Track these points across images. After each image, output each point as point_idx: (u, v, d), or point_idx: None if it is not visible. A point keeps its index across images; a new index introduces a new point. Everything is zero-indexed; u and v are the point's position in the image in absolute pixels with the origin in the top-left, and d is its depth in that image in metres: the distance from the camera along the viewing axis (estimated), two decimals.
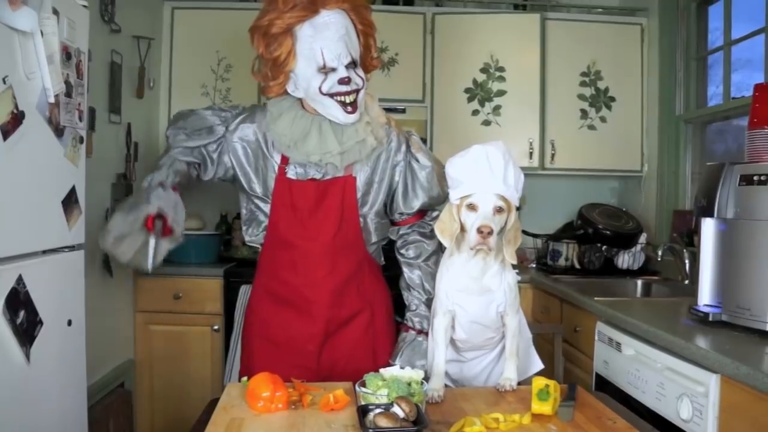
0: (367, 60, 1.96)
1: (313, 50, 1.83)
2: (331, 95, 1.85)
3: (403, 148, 2.01)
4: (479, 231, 1.57)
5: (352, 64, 1.86)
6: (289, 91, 1.93)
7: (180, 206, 1.85)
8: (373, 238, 2.01)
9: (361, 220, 1.97)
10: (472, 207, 1.61)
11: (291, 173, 1.93)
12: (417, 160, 2.01)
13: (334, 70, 1.83)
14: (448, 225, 1.66)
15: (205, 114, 2.03)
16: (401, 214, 2.05)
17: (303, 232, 1.93)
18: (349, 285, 1.98)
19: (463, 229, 1.65)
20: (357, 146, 1.90)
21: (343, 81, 1.84)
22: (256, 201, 1.99)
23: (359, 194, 1.95)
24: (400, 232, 2.09)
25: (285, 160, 1.93)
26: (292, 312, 1.96)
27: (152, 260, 1.73)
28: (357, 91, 1.87)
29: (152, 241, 1.73)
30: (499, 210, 1.61)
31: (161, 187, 1.82)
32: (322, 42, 1.82)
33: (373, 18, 1.96)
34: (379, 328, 2.04)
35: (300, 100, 1.95)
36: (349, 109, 1.87)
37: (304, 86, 1.88)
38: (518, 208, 1.71)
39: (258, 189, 1.97)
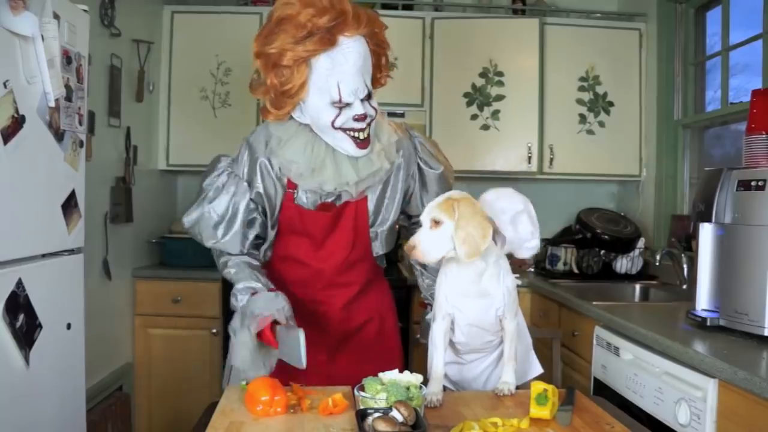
0: (375, 76, 1.84)
1: (328, 84, 1.71)
2: (344, 129, 1.77)
3: (413, 156, 1.97)
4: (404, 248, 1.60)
5: (367, 96, 1.77)
6: (294, 116, 1.82)
7: (282, 298, 1.75)
8: (381, 251, 2.00)
9: (373, 234, 1.95)
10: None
11: (300, 200, 1.87)
12: (428, 165, 2.00)
13: (349, 105, 1.74)
14: None
15: (217, 185, 1.89)
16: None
17: (315, 254, 1.91)
18: (357, 298, 1.98)
19: None
20: (372, 174, 1.84)
21: (358, 118, 1.74)
22: (258, 219, 1.92)
23: (370, 211, 1.92)
24: (412, 220, 2.08)
25: (292, 185, 1.87)
26: (300, 324, 1.93)
27: (304, 356, 1.60)
28: (370, 123, 1.79)
29: (302, 337, 1.60)
30: (435, 223, 1.57)
31: (268, 292, 1.77)
32: (340, 76, 1.70)
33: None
34: (388, 332, 2.05)
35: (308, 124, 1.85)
36: (364, 147, 1.79)
37: (314, 117, 1.78)
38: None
39: (267, 207, 1.91)
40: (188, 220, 1.92)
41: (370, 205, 1.92)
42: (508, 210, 1.75)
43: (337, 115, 1.74)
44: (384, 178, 1.91)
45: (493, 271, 1.66)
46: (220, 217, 1.88)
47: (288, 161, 1.83)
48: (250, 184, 1.88)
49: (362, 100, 1.75)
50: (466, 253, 1.55)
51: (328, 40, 1.68)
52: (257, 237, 1.95)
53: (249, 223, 1.91)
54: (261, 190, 1.88)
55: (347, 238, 1.91)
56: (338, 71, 1.70)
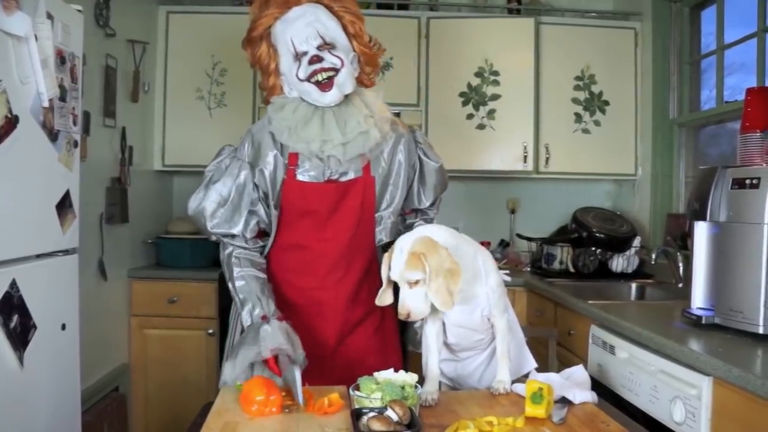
0: (361, 48, 1.93)
1: (285, 43, 1.85)
2: (308, 79, 1.83)
3: (413, 148, 2.02)
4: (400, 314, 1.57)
5: (327, 46, 1.84)
6: (285, 92, 1.92)
7: (291, 333, 1.76)
8: (385, 238, 2.00)
9: (378, 217, 1.96)
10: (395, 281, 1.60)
11: (302, 176, 1.89)
12: (429, 158, 2.05)
13: (305, 53, 1.83)
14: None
15: (220, 167, 1.94)
16: (414, 209, 2.09)
17: (319, 235, 1.91)
18: (362, 285, 1.97)
19: None
20: (360, 137, 1.86)
21: (312, 60, 1.82)
22: (260, 205, 1.93)
23: (376, 192, 1.94)
24: (407, 221, 2.10)
25: (293, 161, 1.89)
26: (302, 319, 1.91)
27: (301, 393, 1.58)
28: (334, 69, 1.83)
29: (298, 375, 1.59)
30: (415, 282, 1.55)
31: (266, 324, 1.75)
32: (292, 32, 1.84)
33: (363, 15, 1.95)
34: (389, 327, 2.04)
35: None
36: (326, 89, 1.83)
37: (289, 80, 1.88)
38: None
39: (269, 185, 1.92)
40: (192, 205, 1.93)
41: (377, 184, 1.93)
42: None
43: (299, 67, 1.84)
44: (374, 148, 1.91)
45: (470, 272, 1.64)
46: (224, 198, 1.90)
47: (280, 120, 1.88)
48: (253, 166, 1.91)
49: (319, 48, 1.84)
50: (441, 303, 1.54)
51: (284, 6, 1.86)
52: (260, 233, 1.95)
53: (252, 207, 1.92)
54: (264, 168, 1.90)
55: (353, 216, 1.91)
56: (290, 29, 1.85)
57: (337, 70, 1.84)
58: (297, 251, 1.94)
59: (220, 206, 1.90)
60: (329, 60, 1.83)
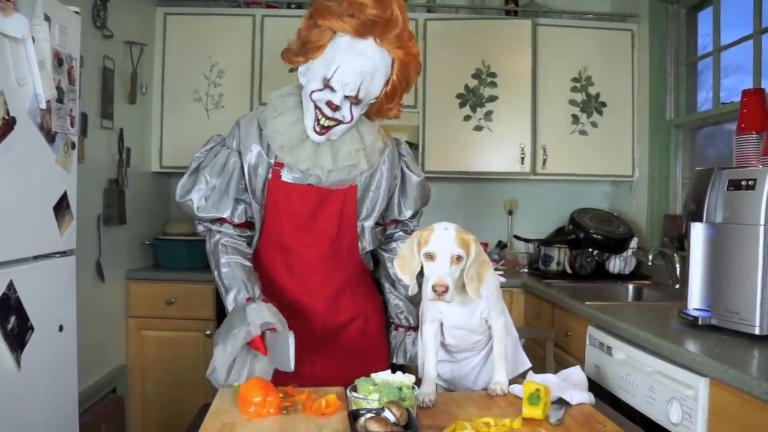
0: (383, 107, 1.91)
1: (333, 61, 1.78)
2: (316, 105, 1.82)
3: (396, 160, 2.03)
4: (434, 289, 1.54)
5: (354, 100, 1.81)
6: (299, 72, 1.88)
7: (278, 313, 1.75)
8: (368, 247, 2.02)
9: (359, 227, 1.97)
10: (429, 257, 1.58)
11: (287, 177, 1.91)
12: (411, 171, 2.06)
13: (333, 90, 1.79)
14: (408, 261, 1.62)
15: (209, 155, 1.96)
16: (394, 220, 2.09)
17: (299, 238, 1.93)
18: (344, 291, 1.99)
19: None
20: (347, 168, 1.89)
21: (330, 104, 1.80)
22: (246, 194, 1.95)
23: (357, 199, 1.95)
24: (387, 232, 2.12)
25: (279, 164, 1.91)
26: (286, 317, 1.94)
27: (293, 358, 1.60)
28: (339, 122, 1.83)
29: (291, 340, 1.60)
30: (458, 259, 1.57)
31: (252, 303, 1.76)
32: (344, 61, 1.77)
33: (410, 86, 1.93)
34: (371, 334, 2.05)
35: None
36: (320, 129, 1.83)
37: (308, 80, 1.84)
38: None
39: (253, 181, 1.93)
40: (181, 191, 1.95)
41: (358, 193, 1.94)
42: None
43: (320, 90, 1.80)
44: (358, 176, 1.93)
45: None
46: (213, 184, 1.92)
47: (275, 131, 1.88)
48: (241, 156, 1.93)
49: (346, 97, 1.80)
50: (473, 289, 1.58)
51: (363, 30, 1.76)
52: (247, 224, 1.96)
53: (238, 196, 1.94)
54: (251, 161, 1.91)
55: (332, 223, 1.92)
56: (346, 58, 1.77)
57: (339, 123, 1.84)
58: (281, 253, 1.96)
59: (208, 192, 1.92)
60: (343, 113, 1.82)
